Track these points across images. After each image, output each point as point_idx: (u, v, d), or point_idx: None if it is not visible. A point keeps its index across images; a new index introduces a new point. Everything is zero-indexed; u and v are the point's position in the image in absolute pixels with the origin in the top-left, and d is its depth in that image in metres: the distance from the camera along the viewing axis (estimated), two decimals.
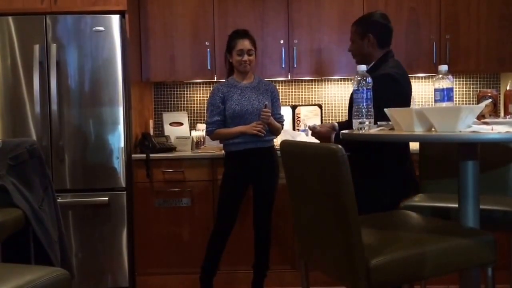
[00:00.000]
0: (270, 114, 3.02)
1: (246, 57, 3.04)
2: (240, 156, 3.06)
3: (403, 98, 2.43)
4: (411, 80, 2.58)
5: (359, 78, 1.95)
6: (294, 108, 4.05)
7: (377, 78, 2.44)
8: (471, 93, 4.08)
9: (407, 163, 2.57)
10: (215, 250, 3.12)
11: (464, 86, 4.09)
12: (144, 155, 3.49)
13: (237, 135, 3.03)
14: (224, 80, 3.23)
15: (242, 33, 3.10)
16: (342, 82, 4.11)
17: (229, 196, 3.09)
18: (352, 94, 2.10)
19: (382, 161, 2.50)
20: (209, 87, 4.11)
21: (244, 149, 3.04)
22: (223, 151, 3.24)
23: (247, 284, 3.28)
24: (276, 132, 3.15)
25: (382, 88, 2.36)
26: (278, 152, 3.03)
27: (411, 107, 2.34)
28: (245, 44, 3.05)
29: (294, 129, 3.99)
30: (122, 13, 3.45)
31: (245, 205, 3.16)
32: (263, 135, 3.00)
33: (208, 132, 3.15)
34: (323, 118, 4.05)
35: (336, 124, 2.59)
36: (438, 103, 1.97)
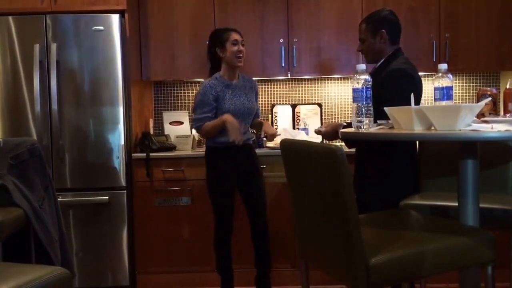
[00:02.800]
0: (268, 133, 3.10)
1: (241, 47, 3.03)
2: (223, 150, 3.02)
3: (416, 93, 2.42)
4: None
5: (359, 77, 1.95)
6: (294, 107, 4.05)
7: (390, 72, 2.44)
8: (471, 91, 4.08)
9: (414, 161, 2.57)
10: (224, 250, 3.10)
11: (464, 84, 4.09)
12: (144, 154, 3.50)
13: (221, 126, 2.95)
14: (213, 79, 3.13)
15: (230, 28, 3.10)
16: (342, 81, 4.11)
17: (223, 194, 3.05)
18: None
19: (390, 159, 2.50)
20: None
21: (226, 145, 2.98)
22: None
23: (247, 283, 3.27)
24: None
25: (396, 82, 2.37)
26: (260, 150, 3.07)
27: (420, 105, 2.34)
28: (238, 36, 3.05)
29: (294, 128, 3.99)
30: (122, 13, 3.45)
31: (243, 205, 3.15)
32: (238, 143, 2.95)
33: (197, 128, 3.06)
34: (323, 117, 4.05)
35: (345, 123, 2.59)
36: (438, 101, 1.97)
